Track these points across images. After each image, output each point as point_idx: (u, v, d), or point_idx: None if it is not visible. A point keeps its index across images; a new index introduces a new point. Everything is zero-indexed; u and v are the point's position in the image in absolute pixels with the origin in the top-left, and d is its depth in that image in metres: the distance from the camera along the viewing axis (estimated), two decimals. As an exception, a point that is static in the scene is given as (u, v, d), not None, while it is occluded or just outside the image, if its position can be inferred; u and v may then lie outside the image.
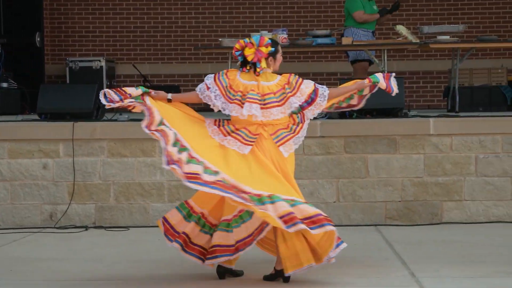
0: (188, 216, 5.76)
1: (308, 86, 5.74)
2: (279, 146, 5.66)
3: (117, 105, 5.75)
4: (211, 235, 5.73)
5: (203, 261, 5.76)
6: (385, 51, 9.57)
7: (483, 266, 6.08)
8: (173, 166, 5.47)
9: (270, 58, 5.71)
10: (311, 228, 5.37)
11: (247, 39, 5.72)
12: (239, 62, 5.75)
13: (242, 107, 5.62)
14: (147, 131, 5.66)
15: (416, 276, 5.80)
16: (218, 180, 5.44)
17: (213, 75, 5.75)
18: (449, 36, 9.76)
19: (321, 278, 5.70)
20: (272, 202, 5.39)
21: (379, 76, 5.99)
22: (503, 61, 12.15)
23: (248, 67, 5.70)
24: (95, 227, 8.13)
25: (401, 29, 9.64)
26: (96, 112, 8.66)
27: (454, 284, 5.55)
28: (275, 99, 5.65)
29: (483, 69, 10.61)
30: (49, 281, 5.88)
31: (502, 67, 10.73)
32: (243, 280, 5.76)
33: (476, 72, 10.53)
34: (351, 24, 10.21)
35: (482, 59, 12.64)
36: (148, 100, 5.74)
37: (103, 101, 5.71)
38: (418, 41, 9.61)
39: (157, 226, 8.06)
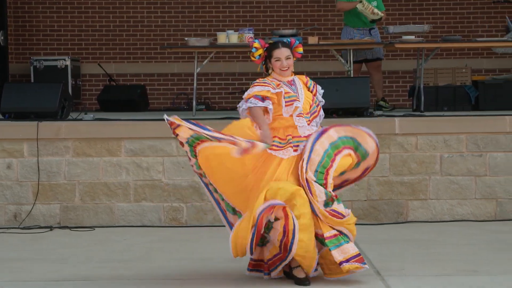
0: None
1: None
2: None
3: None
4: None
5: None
6: (351, 51, 9.60)
7: (447, 265, 6.12)
8: None
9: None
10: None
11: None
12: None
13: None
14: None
15: (381, 274, 5.83)
16: None
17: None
18: (414, 36, 9.83)
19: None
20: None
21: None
22: (467, 61, 12.25)
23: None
24: (60, 227, 8.07)
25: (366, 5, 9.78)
26: (61, 112, 8.61)
27: (418, 282, 5.58)
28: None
29: (447, 68, 10.67)
30: (14, 281, 5.83)
31: (466, 66, 10.81)
32: (209, 279, 5.75)
33: (440, 72, 10.59)
34: (348, 22, 10.23)
35: (446, 59, 12.72)
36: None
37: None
38: (381, 15, 9.76)
39: (123, 226, 8.12)
